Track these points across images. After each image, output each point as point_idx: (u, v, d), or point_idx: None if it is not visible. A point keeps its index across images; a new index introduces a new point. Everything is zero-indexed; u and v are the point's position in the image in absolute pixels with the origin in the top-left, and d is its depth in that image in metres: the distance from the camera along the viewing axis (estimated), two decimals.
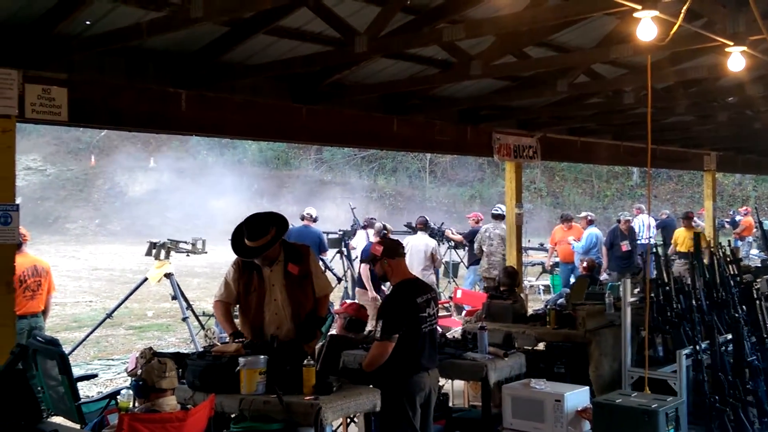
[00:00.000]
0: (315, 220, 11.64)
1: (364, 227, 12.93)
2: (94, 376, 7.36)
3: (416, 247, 11.21)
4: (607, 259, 13.57)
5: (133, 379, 4.38)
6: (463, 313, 10.00)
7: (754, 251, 18.81)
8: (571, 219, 14.86)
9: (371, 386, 4.80)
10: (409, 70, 7.27)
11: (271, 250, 5.09)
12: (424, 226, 11.70)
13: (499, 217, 11.71)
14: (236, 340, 4.95)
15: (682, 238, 14.14)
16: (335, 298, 11.85)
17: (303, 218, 11.61)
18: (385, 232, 11.32)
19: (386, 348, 4.89)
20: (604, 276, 12.73)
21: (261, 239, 5.03)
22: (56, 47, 5.22)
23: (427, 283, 5.64)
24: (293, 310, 5.13)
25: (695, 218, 15.47)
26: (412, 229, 13.79)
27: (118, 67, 5.76)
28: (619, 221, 13.95)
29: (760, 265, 11.97)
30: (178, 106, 6.17)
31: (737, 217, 20.97)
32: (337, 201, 33.27)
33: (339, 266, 13.13)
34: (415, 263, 11.02)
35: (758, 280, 7.47)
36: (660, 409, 5.02)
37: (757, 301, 6.99)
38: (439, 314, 6.72)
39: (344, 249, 13.13)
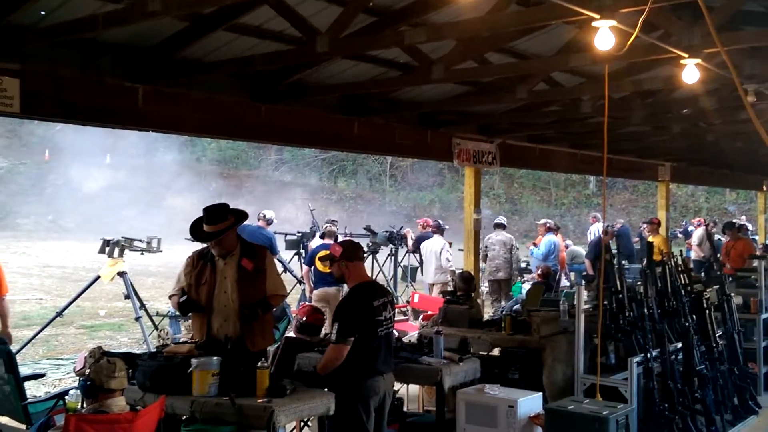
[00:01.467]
0: (269, 223, 11.58)
1: (322, 236, 12.85)
2: (42, 375, 7.19)
3: (429, 249, 12.16)
4: (592, 270, 13.58)
5: (81, 378, 4.27)
6: (420, 317, 10.01)
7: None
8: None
9: (325, 390, 4.76)
10: (371, 72, 7.26)
11: (227, 238, 5.13)
12: (437, 228, 12.50)
13: (500, 226, 12.88)
14: (189, 342, 4.91)
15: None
16: (293, 300, 11.77)
17: (258, 219, 11.54)
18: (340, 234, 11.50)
19: (341, 351, 4.85)
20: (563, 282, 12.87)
21: (219, 224, 5.07)
22: (9, 37, 5.09)
23: (385, 287, 5.61)
24: (241, 304, 5.10)
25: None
26: (372, 233, 13.81)
27: (72, 59, 5.64)
28: (606, 233, 14.09)
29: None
30: (135, 101, 6.06)
31: (690, 228, 21.38)
32: (296, 202, 33.13)
33: (297, 268, 13.05)
34: (430, 264, 12.07)
35: (708, 290, 7.60)
36: (611, 416, 5.07)
37: (707, 311, 7.12)
38: (396, 318, 6.70)
39: (302, 251, 13.05)
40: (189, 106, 6.53)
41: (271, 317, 5.56)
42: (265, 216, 11.54)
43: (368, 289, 5.12)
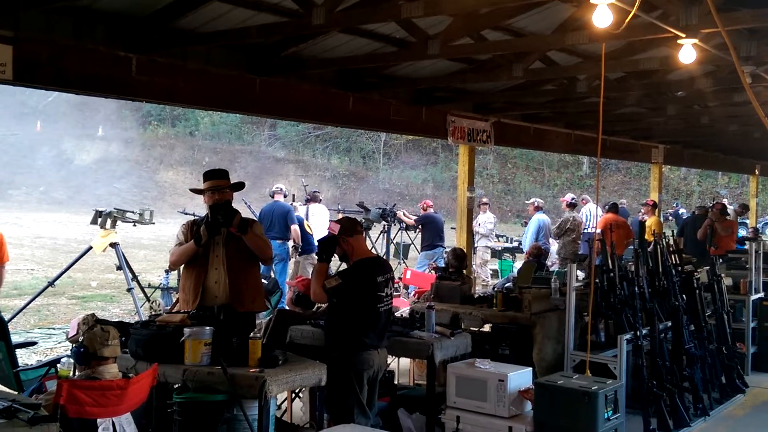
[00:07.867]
0: (285, 196, 11.83)
1: (307, 201, 12.94)
2: (34, 343, 7.20)
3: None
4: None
5: (74, 345, 4.28)
6: (412, 293, 10.05)
7: None
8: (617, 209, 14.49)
9: (317, 361, 4.79)
10: (367, 47, 7.21)
11: (228, 194, 5.30)
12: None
13: (571, 206, 13.66)
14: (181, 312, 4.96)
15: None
16: (288, 274, 11.80)
17: (273, 195, 11.71)
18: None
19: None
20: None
21: (219, 180, 5.29)
22: (2, 2, 5.02)
23: (389, 264, 5.62)
24: (229, 270, 5.23)
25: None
26: (365, 209, 13.84)
27: (66, 27, 5.56)
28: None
29: None
30: (128, 71, 6.01)
31: (680, 210, 21.56)
32: (290, 178, 33.08)
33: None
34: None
35: (698, 270, 7.66)
36: (599, 392, 5.12)
37: (697, 291, 7.18)
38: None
39: None
40: (183, 77, 6.48)
41: (260, 284, 5.69)
42: (281, 189, 11.90)
43: (373, 263, 5.16)
